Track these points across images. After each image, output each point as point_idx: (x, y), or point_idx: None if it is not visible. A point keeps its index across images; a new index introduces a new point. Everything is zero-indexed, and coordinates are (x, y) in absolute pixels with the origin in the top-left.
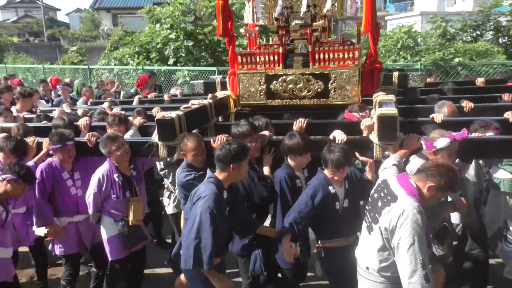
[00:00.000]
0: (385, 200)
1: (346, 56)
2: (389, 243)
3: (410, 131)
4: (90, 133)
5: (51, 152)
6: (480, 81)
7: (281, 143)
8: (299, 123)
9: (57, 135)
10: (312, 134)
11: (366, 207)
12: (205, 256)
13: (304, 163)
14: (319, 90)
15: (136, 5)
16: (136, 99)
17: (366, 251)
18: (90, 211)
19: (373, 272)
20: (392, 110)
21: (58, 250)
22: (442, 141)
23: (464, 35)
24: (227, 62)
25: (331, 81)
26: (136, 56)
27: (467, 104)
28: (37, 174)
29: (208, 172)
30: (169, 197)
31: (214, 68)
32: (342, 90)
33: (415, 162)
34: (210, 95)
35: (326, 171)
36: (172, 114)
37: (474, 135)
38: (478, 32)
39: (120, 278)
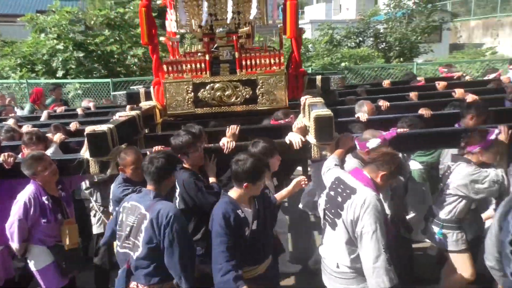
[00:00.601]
0: (344, 194)
1: (272, 61)
2: (354, 234)
3: (340, 131)
4: (6, 153)
5: None
6: (386, 82)
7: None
8: (232, 130)
9: None
10: (244, 139)
11: (324, 206)
12: None
13: (275, 165)
14: (247, 96)
15: (15, 12)
16: (45, 114)
17: (334, 248)
18: (15, 242)
19: (344, 268)
20: (327, 111)
21: None
22: (374, 141)
23: (349, 41)
24: (122, 73)
25: (259, 86)
26: (18, 68)
27: (383, 103)
28: None
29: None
30: (94, 216)
31: (108, 80)
32: (269, 95)
33: (351, 162)
34: (128, 107)
35: (234, 190)
36: (103, 127)
37: (401, 130)
38: (360, 39)
39: None
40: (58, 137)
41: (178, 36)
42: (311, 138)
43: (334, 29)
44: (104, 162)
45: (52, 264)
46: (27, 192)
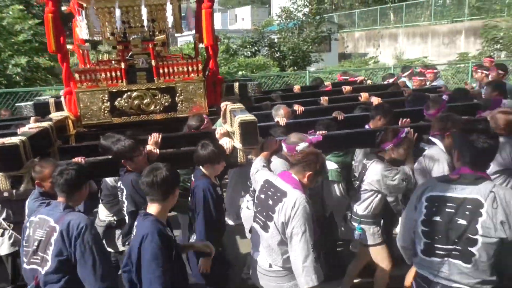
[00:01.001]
0: (275, 197)
1: (190, 69)
2: (285, 236)
3: (261, 135)
4: None
5: None
6: (296, 88)
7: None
8: (154, 138)
9: None
10: (165, 147)
11: (255, 209)
12: None
13: (219, 170)
14: (166, 104)
15: None
16: None
17: (266, 250)
18: None
19: (277, 267)
20: (251, 116)
21: None
22: (302, 145)
23: (245, 50)
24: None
25: (178, 94)
26: None
27: (298, 108)
28: None
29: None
30: (2, 235)
31: None
32: (189, 102)
33: (277, 163)
34: (32, 118)
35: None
36: (14, 139)
37: (324, 133)
38: (256, 48)
39: None
40: None
41: (87, 44)
42: (236, 143)
43: (229, 39)
44: (17, 177)
45: None
46: None
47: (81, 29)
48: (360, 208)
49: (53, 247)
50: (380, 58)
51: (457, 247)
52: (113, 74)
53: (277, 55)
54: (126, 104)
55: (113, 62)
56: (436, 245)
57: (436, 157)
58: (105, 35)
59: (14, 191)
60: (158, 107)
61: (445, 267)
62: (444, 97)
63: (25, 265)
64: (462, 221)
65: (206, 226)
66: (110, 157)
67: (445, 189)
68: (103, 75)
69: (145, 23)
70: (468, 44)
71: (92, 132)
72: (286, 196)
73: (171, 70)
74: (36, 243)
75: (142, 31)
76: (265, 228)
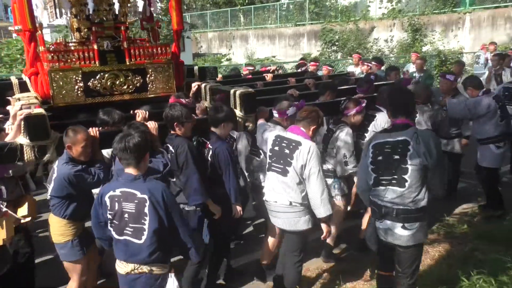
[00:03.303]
0: (291, 147)
1: (159, 51)
2: (302, 176)
3: None
4: None
5: None
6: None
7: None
8: (142, 114)
9: None
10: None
11: (269, 160)
12: None
13: (230, 129)
14: (138, 84)
15: None
16: None
17: (286, 190)
18: None
19: (296, 204)
20: (249, 89)
21: None
22: (292, 109)
23: None
24: None
25: (148, 75)
26: None
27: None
28: None
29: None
30: None
31: None
32: (159, 83)
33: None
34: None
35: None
36: (37, 110)
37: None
38: None
39: None
40: None
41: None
42: (237, 111)
43: None
44: (42, 147)
45: None
46: None
47: (42, 12)
48: (336, 166)
49: (148, 216)
50: (232, 57)
51: (394, 177)
52: (86, 54)
53: None
54: (99, 85)
55: (71, 44)
56: (380, 178)
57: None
58: (73, 17)
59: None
60: (130, 87)
61: (388, 193)
62: (372, 77)
63: (117, 237)
64: (397, 156)
65: (237, 183)
66: (116, 129)
67: (384, 137)
68: (76, 55)
69: (116, 6)
70: (310, 45)
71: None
72: (301, 144)
73: (141, 52)
74: (126, 216)
75: (108, 14)
76: (284, 173)
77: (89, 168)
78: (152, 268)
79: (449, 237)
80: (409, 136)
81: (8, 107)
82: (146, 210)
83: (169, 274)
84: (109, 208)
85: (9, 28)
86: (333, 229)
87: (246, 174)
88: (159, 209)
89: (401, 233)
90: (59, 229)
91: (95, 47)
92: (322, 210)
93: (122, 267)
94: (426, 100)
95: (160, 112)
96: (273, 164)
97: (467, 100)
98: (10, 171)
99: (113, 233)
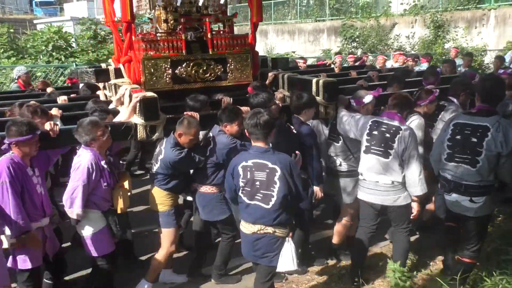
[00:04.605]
0: (391, 131)
1: (239, 42)
2: (402, 158)
3: None
4: (52, 122)
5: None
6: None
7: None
8: (227, 101)
9: (25, 124)
10: None
11: (367, 144)
12: None
13: (312, 115)
14: (218, 73)
15: None
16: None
17: (388, 171)
18: (76, 207)
19: (397, 183)
20: (331, 78)
21: (21, 263)
22: (368, 97)
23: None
24: None
25: (228, 64)
26: None
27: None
28: (3, 172)
29: None
30: None
31: None
32: (237, 72)
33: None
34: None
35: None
36: (150, 94)
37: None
38: None
39: (112, 276)
40: (56, 111)
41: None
42: (319, 99)
43: (97, 25)
44: (152, 127)
45: (105, 229)
46: (86, 158)
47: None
48: None
49: (278, 184)
50: None
51: (468, 157)
52: (174, 44)
53: None
54: (185, 72)
55: (158, 34)
56: (455, 155)
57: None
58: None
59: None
60: (211, 75)
61: (459, 170)
62: (438, 70)
63: (247, 201)
64: (474, 139)
65: (320, 166)
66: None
67: (466, 119)
68: (165, 44)
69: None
70: (330, 41)
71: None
72: (401, 129)
73: (223, 43)
74: (258, 183)
75: (193, 6)
76: (386, 155)
77: (191, 153)
78: (275, 230)
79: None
80: (491, 123)
81: (98, 92)
82: (276, 178)
83: (287, 238)
84: (241, 176)
85: (101, 20)
86: None
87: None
88: (288, 177)
89: (468, 206)
90: (159, 199)
91: (183, 37)
92: (419, 188)
93: (248, 228)
94: None
95: (241, 99)
96: (372, 147)
97: None
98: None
99: (244, 198)
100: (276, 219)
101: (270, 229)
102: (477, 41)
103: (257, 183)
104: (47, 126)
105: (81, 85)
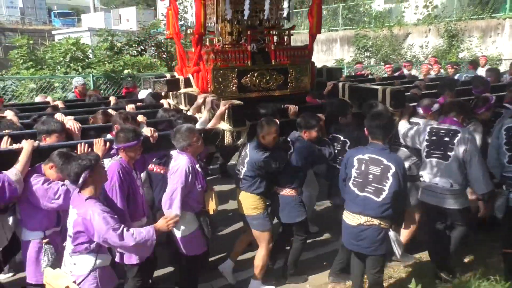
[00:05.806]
0: (450, 135)
1: (300, 53)
2: (463, 159)
3: None
4: (151, 128)
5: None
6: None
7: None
8: (294, 109)
9: (131, 131)
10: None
11: (426, 149)
12: None
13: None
14: (280, 82)
15: None
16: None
17: (447, 174)
18: (175, 209)
19: (456, 186)
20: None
21: (135, 259)
22: (436, 106)
23: (130, 49)
24: None
25: (289, 74)
26: None
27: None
28: (114, 176)
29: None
30: None
31: None
32: (297, 82)
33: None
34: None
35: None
36: (237, 102)
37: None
38: (142, 47)
39: (199, 275)
40: (142, 117)
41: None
42: (387, 107)
43: (114, 36)
44: (238, 133)
45: (197, 230)
46: (183, 162)
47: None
48: None
49: (391, 180)
50: None
51: None
52: (241, 55)
53: (164, 55)
54: (250, 82)
55: (226, 45)
56: None
57: None
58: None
59: None
60: (274, 84)
61: None
62: (489, 79)
63: (357, 192)
64: None
65: None
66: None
67: None
68: (233, 55)
69: (266, 12)
70: (343, 51)
71: None
72: (460, 132)
73: (285, 54)
74: (371, 176)
75: (257, 19)
76: (445, 158)
77: (274, 155)
78: (381, 222)
79: (489, 241)
80: None
81: (161, 101)
82: (390, 175)
83: (390, 229)
84: (355, 167)
85: (165, 31)
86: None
87: None
88: (400, 175)
89: None
90: (252, 203)
91: (249, 48)
92: (483, 186)
93: (352, 219)
94: None
95: (301, 108)
96: (431, 151)
97: None
98: None
99: (354, 188)
100: (384, 212)
101: (376, 221)
102: (491, 50)
103: (370, 176)
104: (147, 132)
105: (139, 94)
